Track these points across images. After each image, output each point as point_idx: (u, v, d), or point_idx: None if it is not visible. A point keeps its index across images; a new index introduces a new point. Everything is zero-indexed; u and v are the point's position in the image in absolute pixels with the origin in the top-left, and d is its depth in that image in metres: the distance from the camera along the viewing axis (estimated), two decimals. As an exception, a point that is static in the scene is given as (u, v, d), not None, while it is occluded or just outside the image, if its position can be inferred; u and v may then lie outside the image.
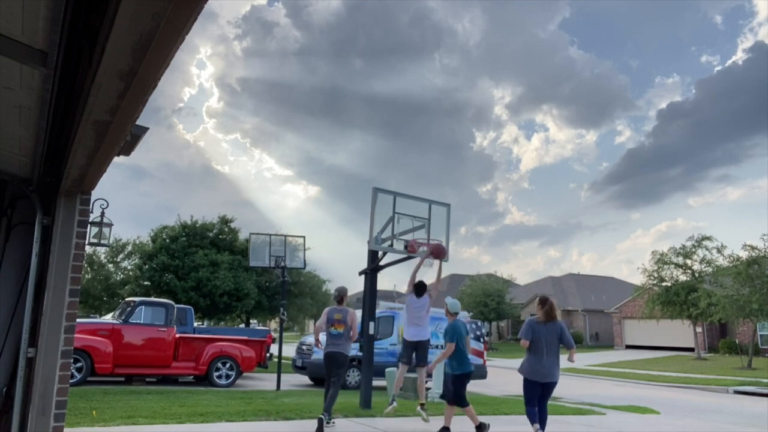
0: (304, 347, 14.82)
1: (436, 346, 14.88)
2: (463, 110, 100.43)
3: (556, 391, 7.94)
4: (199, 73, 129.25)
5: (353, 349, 14.03)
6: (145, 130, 3.84)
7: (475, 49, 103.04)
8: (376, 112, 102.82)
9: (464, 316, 16.79)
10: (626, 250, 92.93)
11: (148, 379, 12.60)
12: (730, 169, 77.46)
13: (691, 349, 31.80)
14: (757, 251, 23.47)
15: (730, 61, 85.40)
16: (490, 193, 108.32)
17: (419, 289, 8.52)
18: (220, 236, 25.93)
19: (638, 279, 44.48)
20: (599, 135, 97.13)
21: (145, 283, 24.16)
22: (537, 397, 6.44)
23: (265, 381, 14.66)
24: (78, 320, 4.43)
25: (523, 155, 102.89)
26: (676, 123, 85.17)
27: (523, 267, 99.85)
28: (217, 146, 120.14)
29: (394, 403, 8.26)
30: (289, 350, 19.88)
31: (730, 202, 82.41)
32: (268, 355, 14.46)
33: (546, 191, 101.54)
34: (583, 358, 29.75)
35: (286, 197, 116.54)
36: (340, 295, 8.01)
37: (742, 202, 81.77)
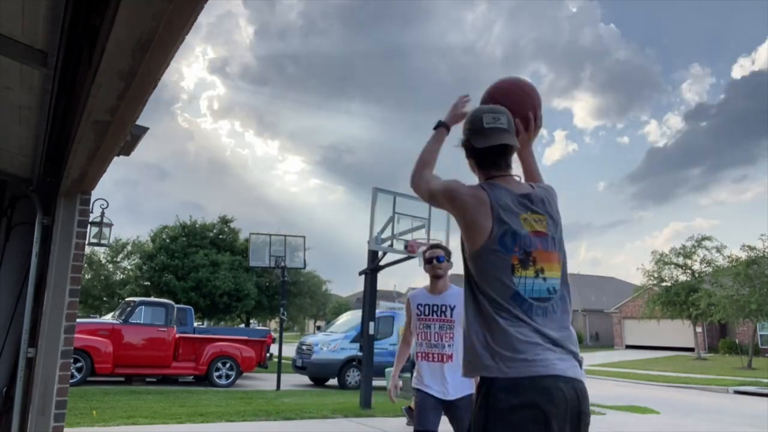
0: (304, 347, 14.82)
1: None
2: (478, 103, 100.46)
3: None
4: (205, 62, 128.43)
5: (353, 349, 14.04)
6: (145, 130, 3.84)
7: (493, 40, 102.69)
8: (392, 104, 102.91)
9: (464, 316, 16.78)
10: (645, 249, 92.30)
11: (148, 379, 12.60)
12: (748, 169, 76.76)
13: (691, 349, 31.80)
14: (756, 251, 23.51)
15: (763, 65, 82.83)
16: None
17: None
18: (220, 236, 25.94)
19: (639, 279, 44.51)
20: (622, 133, 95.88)
21: (145, 283, 24.18)
22: None
23: (265, 381, 14.66)
24: (78, 320, 4.44)
25: (542, 152, 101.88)
26: (700, 124, 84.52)
27: None
28: (222, 142, 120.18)
29: None
30: (289, 350, 19.88)
31: (747, 201, 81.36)
32: (268, 355, 14.46)
33: (561, 189, 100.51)
34: (583, 358, 29.69)
35: (296, 195, 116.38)
36: None
37: (760, 202, 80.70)
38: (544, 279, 1.76)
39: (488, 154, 1.89)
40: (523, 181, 2.00)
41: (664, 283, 30.47)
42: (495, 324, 1.71)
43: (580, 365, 1.77)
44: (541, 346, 1.68)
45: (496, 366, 1.66)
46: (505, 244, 1.74)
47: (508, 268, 1.73)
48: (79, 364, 10.99)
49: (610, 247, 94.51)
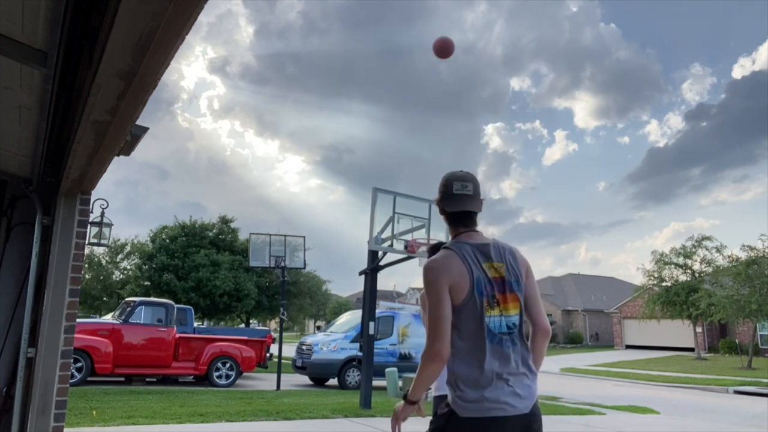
0: (304, 347, 14.82)
1: None
2: (478, 103, 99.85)
3: (556, 391, 7.94)
4: (205, 61, 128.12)
5: (353, 349, 14.03)
6: (145, 130, 3.84)
7: (493, 40, 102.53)
8: (392, 104, 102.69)
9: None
10: (645, 249, 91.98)
11: (148, 379, 12.60)
12: (749, 169, 76.61)
13: (691, 349, 31.80)
14: (756, 251, 23.51)
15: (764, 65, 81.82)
16: (504, 190, 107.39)
17: None
18: (220, 236, 25.94)
19: (639, 279, 44.47)
20: (621, 133, 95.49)
21: (145, 283, 24.17)
22: None
23: (265, 381, 14.66)
24: (78, 320, 4.44)
25: (542, 152, 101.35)
26: (700, 124, 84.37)
27: (536, 265, 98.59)
28: (222, 142, 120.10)
29: None
30: (289, 350, 19.88)
31: (748, 201, 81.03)
32: (268, 355, 14.46)
33: (561, 189, 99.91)
34: (583, 358, 29.74)
35: (296, 195, 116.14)
36: None
37: (761, 202, 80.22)
38: (506, 317, 2.15)
39: (456, 216, 2.30)
40: (484, 234, 2.33)
41: (664, 283, 30.46)
42: (473, 361, 2.08)
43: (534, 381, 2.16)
44: (502, 386, 2.06)
45: (461, 402, 2.04)
46: (480, 290, 2.12)
47: (481, 310, 2.11)
48: (79, 364, 10.99)
49: (610, 247, 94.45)
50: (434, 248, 3.75)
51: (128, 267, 29.69)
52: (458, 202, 2.27)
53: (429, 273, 2.15)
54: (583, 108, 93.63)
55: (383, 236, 9.65)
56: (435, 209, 10.73)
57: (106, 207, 5.73)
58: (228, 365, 12.87)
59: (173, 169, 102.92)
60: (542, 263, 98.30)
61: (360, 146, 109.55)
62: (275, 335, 14.91)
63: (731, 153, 79.82)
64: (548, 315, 48.26)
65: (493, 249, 2.21)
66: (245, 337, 13.96)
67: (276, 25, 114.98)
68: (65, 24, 1.84)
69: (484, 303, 2.11)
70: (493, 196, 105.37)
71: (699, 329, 31.88)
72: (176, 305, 13.54)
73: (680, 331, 34.58)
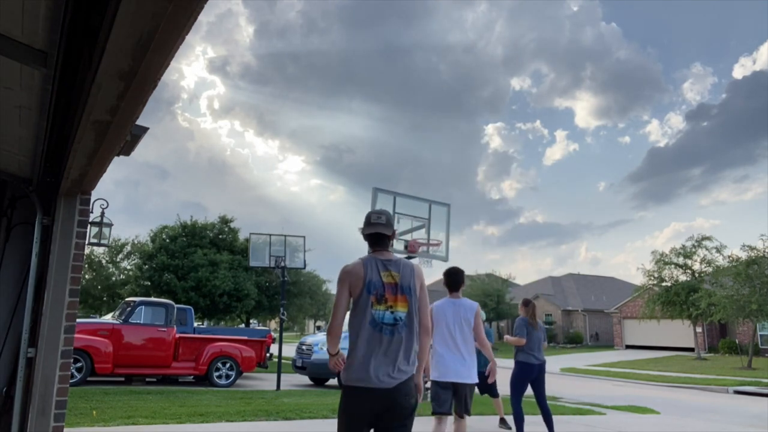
0: (304, 347, 14.82)
1: None
2: (479, 103, 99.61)
3: (557, 391, 7.93)
4: (205, 61, 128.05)
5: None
6: (145, 130, 3.84)
7: (494, 40, 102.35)
8: (392, 104, 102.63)
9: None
10: (645, 249, 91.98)
11: (148, 379, 12.60)
12: (749, 169, 76.63)
13: (691, 349, 31.80)
14: (756, 251, 23.50)
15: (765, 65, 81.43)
16: (504, 190, 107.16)
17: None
18: (220, 236, 25.93)
19: (639, 279, 44.45)
20: (621, 133, 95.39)
21: (145, 283, 24.17)
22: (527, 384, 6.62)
23: (265, 381, 14.66)
24: (78, 320, 4.43)
25: (542, 152, 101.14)
26: (701, 124, 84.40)
27: (536, 265, 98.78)
28: (222, 141, 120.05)
29: None
30: (289, 350, 19.88)
31: (748, 201, 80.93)
32: (268, 355, 14.46)
33: (561, 189, 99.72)
34: (583, 358, 29.74)
35: (297, 194, 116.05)
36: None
37: (761, 202, 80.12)
38: (392, 312, 2.88)
39: (369, 237, 3.08)
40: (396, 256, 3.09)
41: (664, 283, 30.44)
42: (356, 342, 2.86)
43: (413, 365, 2.89)
44: (381, 364, 2.79)
45: (349, 375, 2.85)
46: (369, 289, 2.88)
47: (369, 304, 2.87)
48: (79, 364, 10.99)
49: (610, 247, 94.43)
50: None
51: (128, 267, 29.69)
52: (372, 227, 3.02)
53: (340, 274, 2.96)
54: (584, 108, 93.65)
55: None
56: (435, 209, 10.76)
57: (106, 207, 5.73)
58: (228, 365, 12.87)
59: (173, 169, 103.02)
60: (542, 263, 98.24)
61: (360, 146, 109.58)
62: (275, 335, 14.91)
63: (731, 153, 79.88)
64: (548, 315, 47.68)
65: (394, 263, 2.97)
66: (245, 337, 13.96)
67: (276, 25, 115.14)
68: (65, 24, 1.84)
69: (371, 299, 2.85)
70: (493, 196, 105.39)
71: (699, 329, 31.88)
72: (176, 305, 13.54)
73: (680, 331, 34.58)
